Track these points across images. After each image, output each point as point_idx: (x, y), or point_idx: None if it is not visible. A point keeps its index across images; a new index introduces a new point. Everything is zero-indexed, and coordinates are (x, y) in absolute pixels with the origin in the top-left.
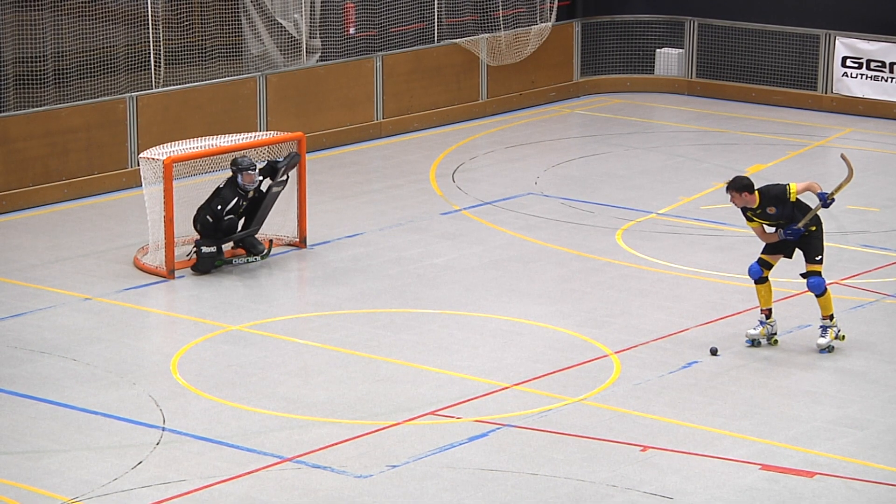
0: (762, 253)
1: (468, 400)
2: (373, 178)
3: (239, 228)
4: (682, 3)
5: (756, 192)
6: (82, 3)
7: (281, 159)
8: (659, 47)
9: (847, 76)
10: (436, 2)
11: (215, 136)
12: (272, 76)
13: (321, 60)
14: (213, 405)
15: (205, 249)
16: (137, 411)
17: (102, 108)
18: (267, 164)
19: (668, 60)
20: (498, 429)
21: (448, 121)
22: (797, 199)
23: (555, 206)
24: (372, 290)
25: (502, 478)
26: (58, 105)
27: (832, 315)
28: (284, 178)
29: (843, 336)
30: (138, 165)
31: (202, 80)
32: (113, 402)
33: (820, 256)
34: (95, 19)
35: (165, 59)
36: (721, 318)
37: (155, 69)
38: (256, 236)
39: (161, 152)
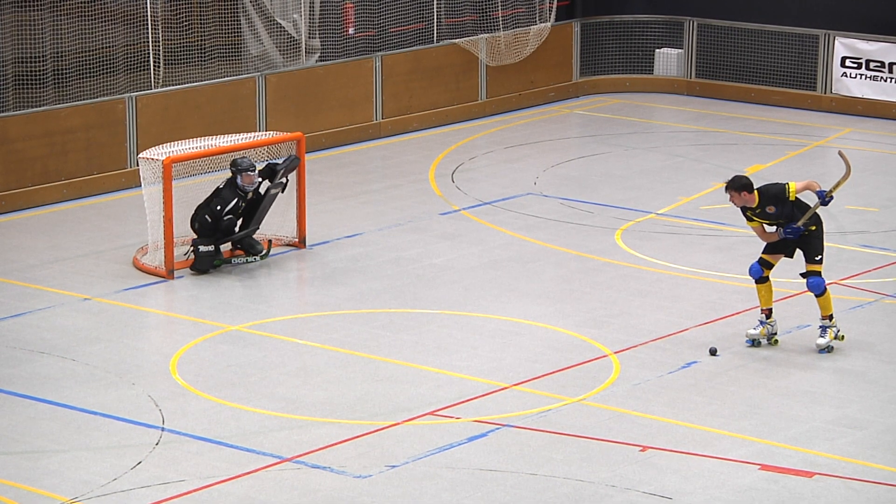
0: (763, 252)
1: (467, 400)
2: (372, 179)
3: (237, 229)
4: (681, 3)
5: (755, 192)
6: (82, 3)
7: (280, 161)
8: (658, 47)
9: (846, 76)
10: (435, 2)
11: (214, 137)
12: (271, 76)
13: (320, 61)
14: (213, 405)
15: (202, 248)
16: (136, 411)
17: (102, 108)
18: (266, 166)
19: (668, 60)
20: (497, 429)
21: (447, 121)
22: (796, 198)
23: (554, 206)
24: (371, 290)
25: (501, 478)
26: (57, 105)
27: (832, 315)
28: (284, 180)
29: (843, 336)
30: (137, 166)
31: (201, 81)
32: (112, 402)
33: (820, 256)
34: (95, 19)
35: (165, 60)
36: (720, 318)
37: (154, 69)
38: (255, 236)
39: (160, 152)
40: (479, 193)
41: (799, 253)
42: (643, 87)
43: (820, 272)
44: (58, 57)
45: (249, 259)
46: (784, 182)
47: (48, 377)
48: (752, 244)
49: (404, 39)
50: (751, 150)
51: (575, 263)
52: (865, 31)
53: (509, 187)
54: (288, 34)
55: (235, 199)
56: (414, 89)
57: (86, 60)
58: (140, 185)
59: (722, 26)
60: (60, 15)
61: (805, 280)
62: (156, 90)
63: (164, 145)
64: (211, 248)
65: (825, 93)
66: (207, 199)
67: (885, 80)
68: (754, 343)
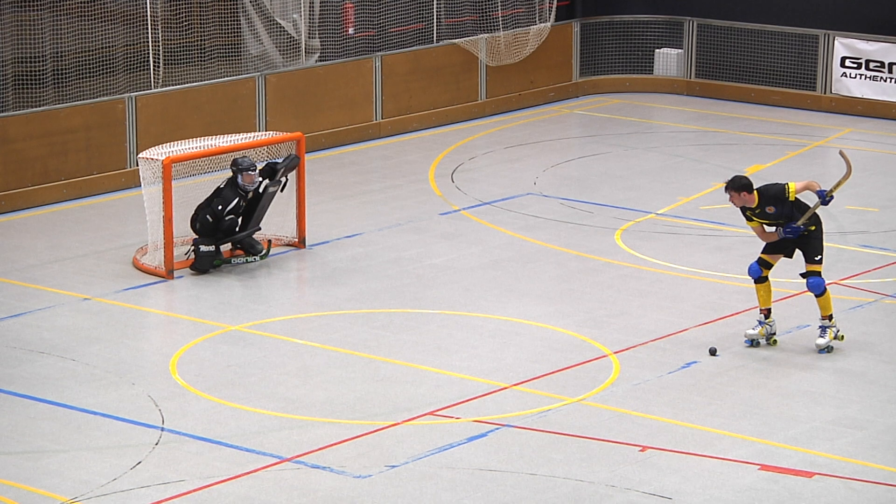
0: (762, 252)
1: (467, 400)
2: (372, 179)
3: (237, 229)
4: (681, 3)
5: (755, 192)
6: (81, 3)
7: (280, 160)
8: (658, 47)
9: (846, 76)
10: (435, 2)
11: (214, 137)
12: (271, 76)
13: (320, 61)
14: (212, 405)
15: (203, 248)
16: (136, 411)
17: (101, 108)
18: (266, 165)
19: (668, 60)
20: (497, 429)
21: (447, 121)
22: (796, 198)
23: (554, 206)
24: (371, 290)
25: (501, 478)
26: (57, 105)
27: (831, 315)
28: (283, 179)
29: (843, 336)
30: (137, 165)
31: (201, 81)
32: (112, 402)
33: (819, 256)
34: (94, 19)
35: (164, 60)
36: (720, 319)
37: (154, 69)
38: (255, 237)
39: (160, 152)
40: (478, 193)
41: (798, 253)
42: (643, 87)
43: (820, 272)
44: (58, 57)
45: (249, 259)
46: (784, 182)
47: (48, 377)
48: (751, 244)
49: (404, 39)
50: (751, 150)
51: (575, 263)
52: (865, 31)
53: (509, 187)
54: (288, 34)
55: (236, 199)
56: (414, 89)
57: (86, 60)
58: (140, 185)
59: (722, 26)
60: (60, 15)
61: (805, 280)
62: (156, 90)
63: (164, 145)
64: (212, 248)
65: (825, 93)
66: (208, 198)
67: (885, 81)
68: (753, 343)
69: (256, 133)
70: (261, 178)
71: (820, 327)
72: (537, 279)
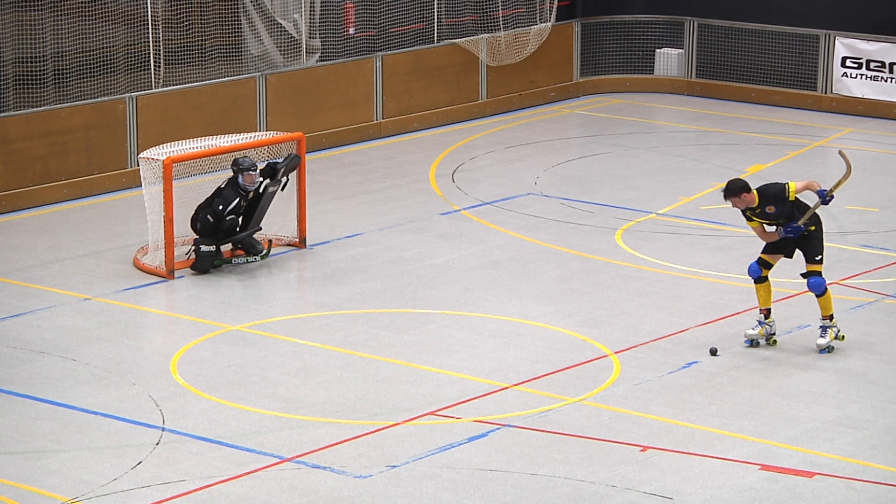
0: (762, 252)
1: (468, 400)
2: (372, 179)
3: (238, 229)
4: (681, 3)
5: (754, 192)
6: (82, 3)
7: (281, 160)
8: (659, 47)
9: (847, 76)
10: (435, 2)
11: (215, 137)
12: (272, 76)
13: (321, 60)
14: (213, 405)
15: (203, 248)
16: (137, 411)
17: (102, 108)
18: (267, 165)
19: (668, 60)
20: (497, 429)
21: (448, 121)
22: (796, 198)
23: (554, 206)
24: (371, 290)
25: (502, 478)
26: (57, 105)
27: (832, 315)
28: (285, 179)
29: (843, 336)
30: (138, 165)
31: (202, 81)
32: (112, 402)
33: (820, 256)
34: (95, 19)
35: (165, 60)
36: (721, 319)
37: (154, 69)
38: (256, 236)
39: (161, 152)
40: (479, 193)
41: (799, 253)
42: (643, 87)
43: (820, 272)
44: (58, 57)
45: (250, 259)
46: (784, 182)
47: (48, 377)
48: (752, 244)
49: (405, 39)
50: (751, 150)
51: (575, 263)
52: (866, 31)
53: (510, 187)
54: (288, 34)
55: (237, 199)
56: (414, 89)
57: (86, 60)
58: (140, 185)
59: (722, 26)
60: (61, 15)
61: (806, 280)
62: (156, 90)
63: (165, 145)
64: (212, 248)
65: (825, 93)
66: (209, 198)
67: (886, 81)
68: (753, 343)
69: (257, 133)
70: (261, 178)
71: (821, 327)
72: (538, 279)
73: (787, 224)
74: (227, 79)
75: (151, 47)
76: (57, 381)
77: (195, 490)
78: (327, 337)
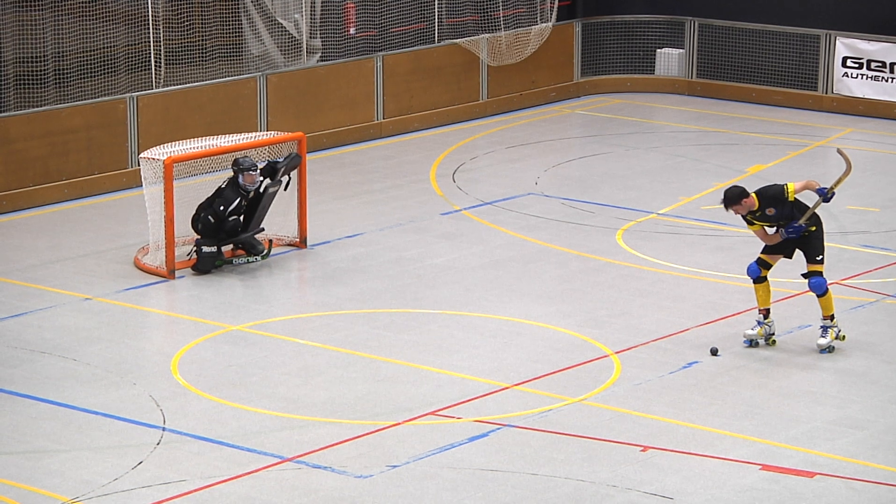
0: (761, 253)
1: (468, 400)
2: (373, 179)
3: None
4: (682, 3)
5: (753, 194)
6: (82, 3)
7: (281, 160)
8: (659, 47)
9: (847, 76)
10: (436, 2)
11: (215, 137)
12: (272, 76)
13: (321, 60)
14: (214, 405)
15: (205, 249)
16: (137, 411)
17: (102, 108)
18: (267, 165)
19: (669, 60)
20: (498, 429)
21: (448, 121)
22: (795, 198)
23: (555, 206)
24: (372, 290)
25: (502, 478)
26: (58, 105)
27: (833, 315)
28: (286, 178)
29: (844, 336)
30: (138, 165)
31: (202, 81)
32: (113, 402)
33: (821, 256)
34: (96, 19)
35: (166, 60)
36: (721, 319)
37: (155, 69)
38: (256, 236)
39: (161, 152)
40: (480, 193)
41: (799, 253)
42: (644, 87)
43: (821, 272)
44: (59, 57)
45: (251, 259)
46: (782, 183)
47: (49, 377)
48: (752, 244)
49: (405, 39)
50: (751, 150)
51: (576, 263)
52: (866, 31)
53: (510, 187)
54: (289, 34)
55: (238, 199)
56: (415, 89)
57: (87, 60)
58: (141, 185)
59: (723, 26)
60: (61, 15)
61: (807, 280)
62: (157, 90)
63: (165, 145)
64: (214, 248)
65: (826, 93)
66: (209, 198)
67: (886, 81)
68: (752, 343)
69: (257, 133)
70: (262, 178)
71: (821, 327)
72: (538, 279)
73: (789, 224)
74: (227, 79)
75: (152, 47)
76: (57, 381)
77: (196, 490)
78: (328, 337)
